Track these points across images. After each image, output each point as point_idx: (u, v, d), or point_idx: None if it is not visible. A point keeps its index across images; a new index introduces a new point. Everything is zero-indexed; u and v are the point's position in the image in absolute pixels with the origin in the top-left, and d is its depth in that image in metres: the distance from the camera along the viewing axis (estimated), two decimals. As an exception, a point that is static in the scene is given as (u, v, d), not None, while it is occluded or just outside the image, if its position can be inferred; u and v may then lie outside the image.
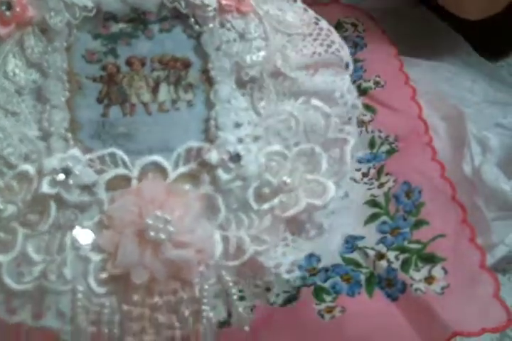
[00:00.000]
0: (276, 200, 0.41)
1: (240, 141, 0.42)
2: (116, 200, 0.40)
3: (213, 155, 0.41)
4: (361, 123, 0.56)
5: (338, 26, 0.62)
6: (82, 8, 0.42)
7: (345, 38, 0.57)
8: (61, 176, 0.39)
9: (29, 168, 0.40)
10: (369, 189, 0.53)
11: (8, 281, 0.38)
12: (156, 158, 0.41)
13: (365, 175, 0.54)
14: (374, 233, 0.51)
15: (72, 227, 0.39)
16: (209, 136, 0.42)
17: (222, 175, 0.40)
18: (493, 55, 0.67)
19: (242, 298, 0.41)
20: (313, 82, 0.44)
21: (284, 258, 0.40)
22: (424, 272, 0.48)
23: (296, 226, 0.42)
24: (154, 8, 0.43)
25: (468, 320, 0.46)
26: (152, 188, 0.40)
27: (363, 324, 0.46)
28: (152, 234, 0.38)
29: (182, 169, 0.41)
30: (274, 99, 0.43)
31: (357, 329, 0.46)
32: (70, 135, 0.41)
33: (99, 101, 0.42)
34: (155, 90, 0.43)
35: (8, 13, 0.41)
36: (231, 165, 0.40)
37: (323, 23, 0.45)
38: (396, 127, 0.56)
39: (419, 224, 0.51)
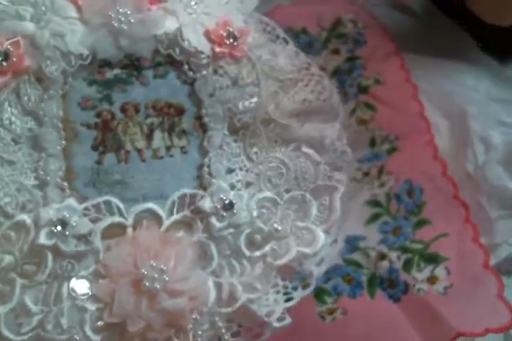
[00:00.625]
0: (267, 248, 0.42)
1: (232, 187, 0.43)
2: (111, 249, 0.41)
3: (207, 203, 0.42)
4: (361, 122, 0.56)
5: (338, 23, 0.62)
6: (77, 56, 0.43)
7: (345, 35, 0.59)
8: (58, 228, 0.39)
9: (26, 218, 0.41)
10: (370, 188, 0.54)
11: (7, 333, 0.39)
12: (151, 205, 0.42)
13: (365, 174, 0.55)
14: (375, 233, 0.51)
15: (68, 277, 0.40)
16: (202, 183, 0.43)
17: (215, 223, 0.41)
18: (499, 54, 0.65)
19: (235, 343, 0.42)
20: (304, 129, 0.45)
21: (275, 306, 0.41)
22: (426, 272, 0.48)
23: (287, 272, 0.43)
24: (149, 55, 0.44)
25: (471, 321, 0.46)
26: (147, 237, 0.41)
27: (364, 325, 0.46)
28: (148, 284, 0.39)
29: (176, 216, 0.42)
30: (265, 146, 0.44)
31: (359, 330, 0.46)
32: (65, 184, 0.42)
33: (94, 148, 0.43)
34: (149, 137, 0.44)
35: (4, 63, 0.41)
36: (224, 213, 0.41)
37: (314, 69, 0.46)
38: (397, 125, 0.56)
39: (421, 223, 0.51)
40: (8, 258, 0.40)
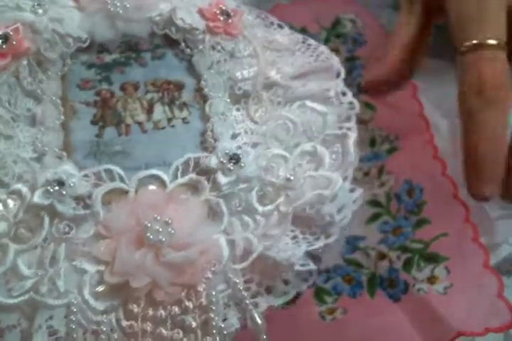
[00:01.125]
0: (281, 198, 0.39)
1: (239, 148, 0.41)
2: (113, 209, 0.38)
3: (212, 160, 0.39)
4: (361, 122, 0.54)
5: (337, 23, 0.62)
6: (75, 38, 0.43)
7: (344, 35, 0.58)
8: (55, 187, 0.37)
9: (21, 186, 0.38)
10: (370, 188, 0.52)
11: (-4, 296, 0.34)
12: (154, 171, 0.40)
13: (365, 174, 0.53)
14: (375, 233, 0.50)
15: (66, 240, 0.37)
16: (207, 147, 0.41)
17: (222, 178, 0.39)
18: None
19: (255, 305, 0.37)
20: (307, 87, 0.44)
21: (296, 250, 0.37)
22: (426, 272, 0.46)
23: (305, 222, 0.39)
24: (146, 37, 0.45)
25: (471, 320, 0.44)
26: (150, 196, 0.38)
27: (364, 325, 0.45)
28: (152, 237, 0.35)
29: (181, 180, 0.40)
30: (269, 109, 0.43)
31: (359, 330, 0.44)
32: (64, 154, 0.40)
33: (94, 123, 0.42)
34: (149, 111, 0.43)
35: (4, 46, 0.42)
36: (230, 166, 0.39)
37: (311, 41, 0.46)
38: (397, 125, 0.55)
39: (421, 223, 0.49)
40: (2, 225, 0.37)
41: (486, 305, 0.45)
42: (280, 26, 0.48)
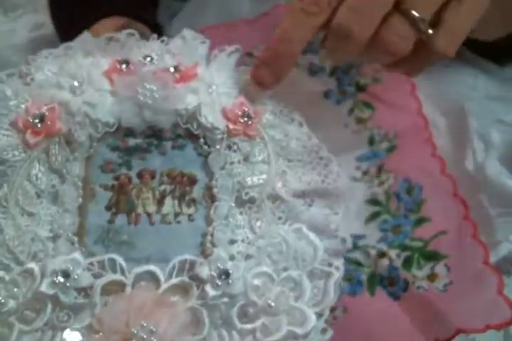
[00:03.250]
0: (258, 322, 0.43)
1: (232, 257, 0.44)
2: (108, 304, 0.42)
3: (204, 271, 0.43)
4: (360, 121, 0.56)
5: None
6: (104, 123, 0.47)
7: None
8: (60, 279, 0.42)
9: (34, 266, 0.43)
10: (369, 187, 0.53)
11: (-3, 376, 0.41)
12: (152, 268, 0.44)
13: (365, 173, 0.54)
14: (375, 231, 0.51)
15: (63, 328, 0.42)
16: (204, 250, 0.45)
17: (210, 290, 0.43)
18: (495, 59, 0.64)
19: None
20: (310, 212, 0.47)
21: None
22: (426, 270, 0.48)
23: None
24: (169, 127, 0.48)
25: (471, 317, 0.45)
26: (142, 297, 0.43)
27: (365, 323, 0.46)
28: (136, 342, 0.40)
29: (174, 280, 0.44)
30: (270, 221, 0.46)
31: (359, 328, 0.46)
32: (76, 238, 0.45)
33: (108, 208, 0.46)
34: (160, 203, 0.47)
35: (39, 125, 0.46)
36: (219, 282, 0.43)
37: (324, 152, 0.48)
38: (395, 123, 0.56)
39: (420, 221, 0.51)
40: (11, 303, 0.42)
41: (486, 302, 0.46)
42: (300, 124, 0.50)
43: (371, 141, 0.57)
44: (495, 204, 0.52)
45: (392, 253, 0.50)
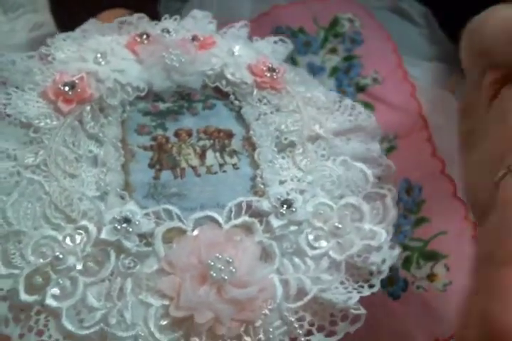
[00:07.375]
0: (331, 243, 0.42)
1: (288, 194, 0.44)
2: (174, 247, 0.40)
3: (265, 204, 0.42)
4: None
5: (335, 22, 0.61)
6: (135, 88, 0.47)
7: (342, 34, 0.59)
8: (123, 224, 0.40)
9: (88, 223, 0.41)
10: None
11: (69, 326, 0.36)
12: (209, 212, 0.42)
13: None
14: None
15: (131, 274, 0.39)
16: (257, 191, 0.44)
17: (275, 221, 0.42)
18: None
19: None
20: (350, 145, 0.47)
21: (348, 295, 0.40)
22: (426, 269, 0.47)
23: (349, 269, 0.41)
24: (198, 88, 0.49)
25: None
26: (210, 234, 0.41)
27: (365, 323, 0.43)
28: (215, 275, 0.38)
29: (235, 221, 0.42)
30: (314, 159, 0.46)
31: (359, 328, 0.43)
32: (126, 193, 0.43)
33: (151, 166, 0.45)
34: (202, 156, 0.46)
35: (70, 92, 0.45)
36: (283, 210, 0.42)
37: (348, 101, 0.50)
38: (395, 124, 0.56)
39: (420, 221, 0.50)
40: (71, 259, 0.39)
41: None
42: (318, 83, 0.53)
43: None
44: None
45: None
